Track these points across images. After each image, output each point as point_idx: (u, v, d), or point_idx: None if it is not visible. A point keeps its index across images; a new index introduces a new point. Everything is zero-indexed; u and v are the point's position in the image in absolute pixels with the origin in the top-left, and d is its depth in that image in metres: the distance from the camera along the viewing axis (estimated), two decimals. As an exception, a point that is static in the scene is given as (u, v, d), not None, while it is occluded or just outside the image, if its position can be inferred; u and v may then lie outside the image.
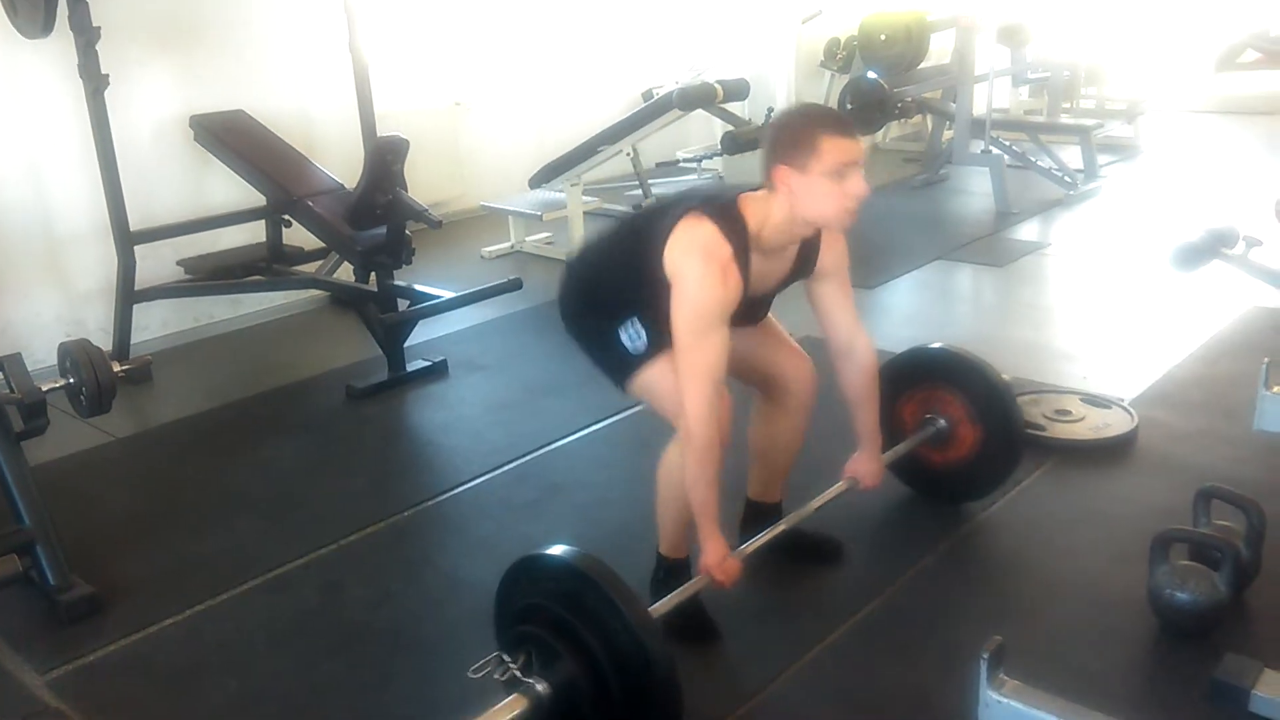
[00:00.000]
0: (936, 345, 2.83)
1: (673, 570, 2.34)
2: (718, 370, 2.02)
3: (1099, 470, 2.98)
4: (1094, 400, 3.34)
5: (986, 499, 2.79)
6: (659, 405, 2.21)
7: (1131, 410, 3.25)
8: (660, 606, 2.02)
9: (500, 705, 1.76)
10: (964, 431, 2.68)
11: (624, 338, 2.17)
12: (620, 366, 2.20)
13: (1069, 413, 3.25)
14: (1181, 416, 3.27)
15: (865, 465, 2.45)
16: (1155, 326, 4.13)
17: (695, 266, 1.99)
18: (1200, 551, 2.27)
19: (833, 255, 2.26)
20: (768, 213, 2.06)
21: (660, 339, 2.11)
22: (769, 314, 2.40)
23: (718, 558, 2.08)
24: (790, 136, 2.02)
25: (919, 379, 2.73)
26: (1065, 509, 2.77)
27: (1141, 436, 3.13)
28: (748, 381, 2.40)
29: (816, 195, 2.00)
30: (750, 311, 2.21)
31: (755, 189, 2.11)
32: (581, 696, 1.78)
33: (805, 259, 2.23)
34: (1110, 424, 3.19)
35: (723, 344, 2.02)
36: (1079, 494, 2.85)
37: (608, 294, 2.22)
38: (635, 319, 2.15)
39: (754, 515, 2.59)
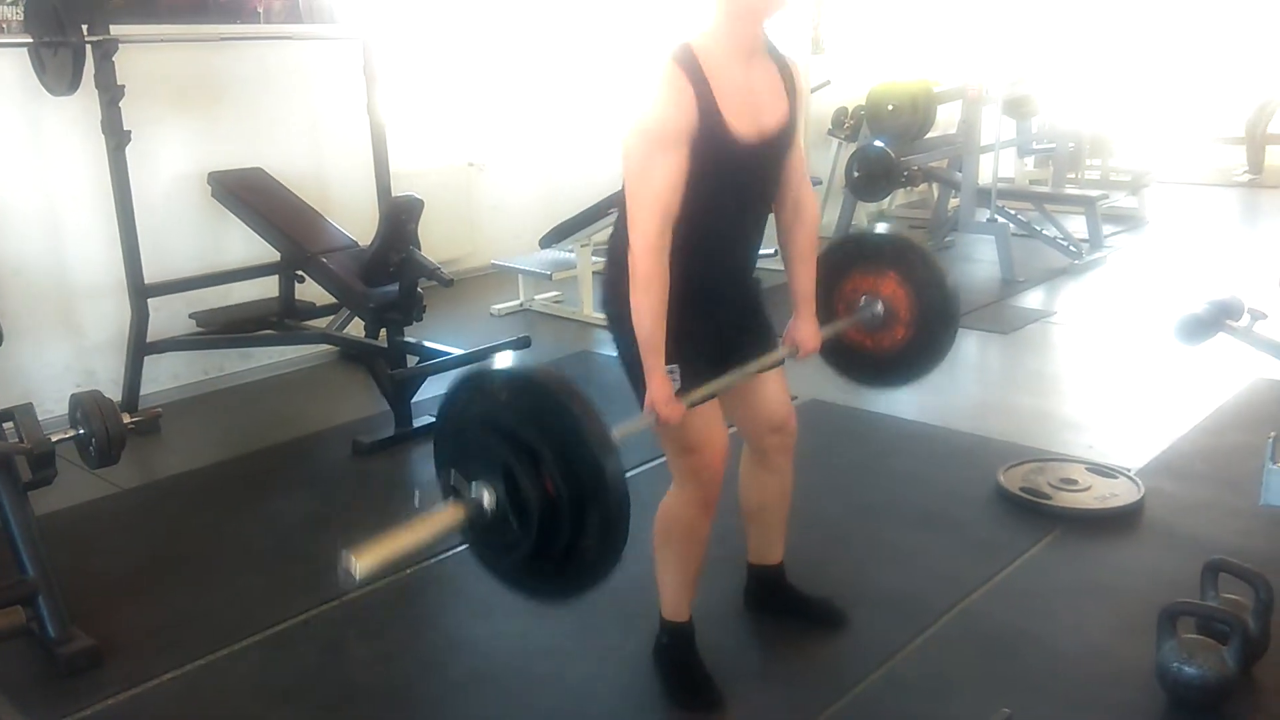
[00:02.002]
0: (877, 229, 2.72)
1: (676, 635, 2.33)
2: (668, 198, 1.93)
3: (1105, 540, 2.96)
4: (1100, 470, 3.34)
5: (992, 568, 2.78)
6: (665, 445, 2.19)
7: (1138, 480, 3.24)
8: (619, 431, 1.83)
9: (437, 512, 1.69)
10: (900, 314, 2.55)
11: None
12: (642, 387, 2.10)
13: (1075, 482, 3.24)
14: (1188, 488, 3.26)
15: (803, 331, 2.35)
16: (1161, 397, 4.13)
17: (645, 93, 1.94)
18: (1208, 625, 2.25)
19: (801, 98, 2.17)
20: (708, 26, 1.99)
21: (685, 382, 2.07)
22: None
23: (664, 395, 1.99)
24: None
25: (854, 263, 2.61)
26: (1071, 579, 2.76)
27: (1148, 507, 3.12)
28: (737, 421, 2.36)
29: None
30: (774, 148, 2.10)
31: None
32: (527, 510, 1.67)
33: (788, 81, 2.11)
34: (1117, 494, 3.18)
35: (675, 169, 1.93)
36: (1085, 564, 2.83)
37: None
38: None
39: (757, 580, 2.58)
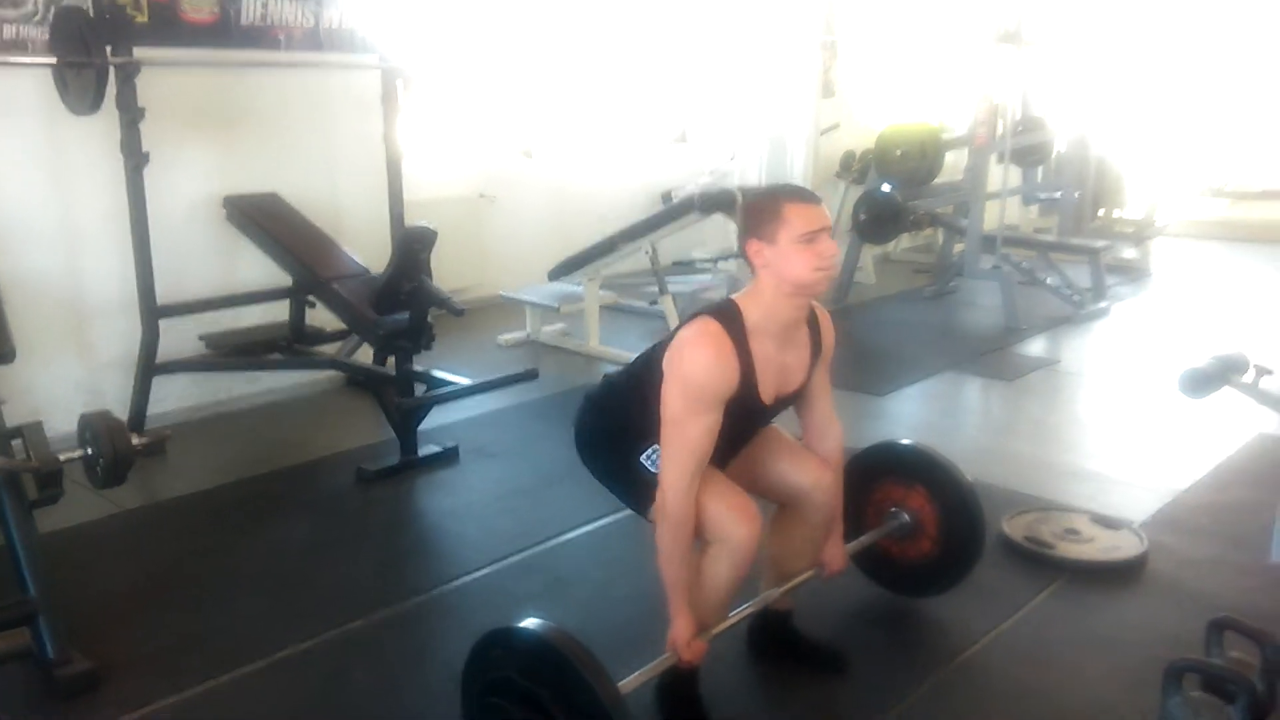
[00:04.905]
0: (904, 441, 2.87)
1: (680, 672, 2.31)
2: (702, 450, 2.08)
3: (1108, 593, 2.96)
4: (1103, 521, 3.34)
5: (994, 618, 2.77)
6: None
7: (1141, 534, 3.24)
8: (629, 684, 2.01)
9: None
10: (927, 528, 2.70)
11: (646, 462, 2.22)
12: (643, 491, 2.22)
13: (1078, 532, 3.24)
14: (1191, 542, 3.26)
15: (829, 551, 2.48)
16: (1164, 450, 4.13)
17: (689, 350, 2.10)
18: (1213, 683, 2.24)
19: (828, 338, 2.34)
20: (758, 295, 2.15)
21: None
22: (777, 429, 2.44)
23: (686, 635, 2.12)
24: (756, 212, 2.14)
25: (885, 473, 2.76)
26: (1075, 632, 2.75)
27: (1151, 561, 3.12)
28: (772, 498, 2.44)
29: (790, 262, 2.09)
30: (786, 403, 2.31)
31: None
32: None
33: (815, 340, 2.30)
34: (1120, 546, 3.18)
35: (712, 427, 2.08)
36: (1089, 617, 2.83)
37: (630, 423, 2.25)
38: (658, 445, 2.17)
39: (763, 623, 2.57)
